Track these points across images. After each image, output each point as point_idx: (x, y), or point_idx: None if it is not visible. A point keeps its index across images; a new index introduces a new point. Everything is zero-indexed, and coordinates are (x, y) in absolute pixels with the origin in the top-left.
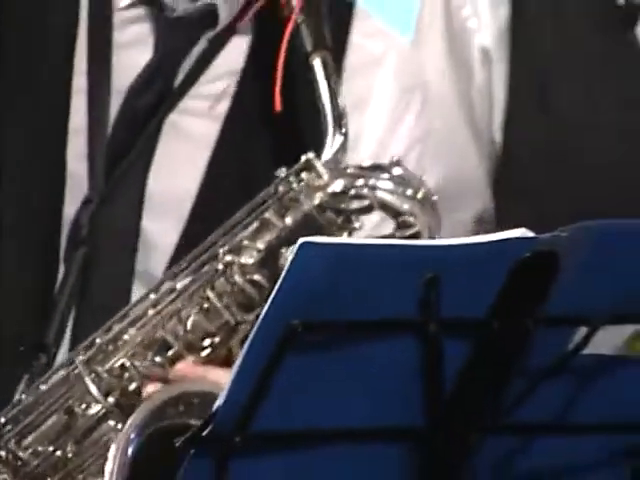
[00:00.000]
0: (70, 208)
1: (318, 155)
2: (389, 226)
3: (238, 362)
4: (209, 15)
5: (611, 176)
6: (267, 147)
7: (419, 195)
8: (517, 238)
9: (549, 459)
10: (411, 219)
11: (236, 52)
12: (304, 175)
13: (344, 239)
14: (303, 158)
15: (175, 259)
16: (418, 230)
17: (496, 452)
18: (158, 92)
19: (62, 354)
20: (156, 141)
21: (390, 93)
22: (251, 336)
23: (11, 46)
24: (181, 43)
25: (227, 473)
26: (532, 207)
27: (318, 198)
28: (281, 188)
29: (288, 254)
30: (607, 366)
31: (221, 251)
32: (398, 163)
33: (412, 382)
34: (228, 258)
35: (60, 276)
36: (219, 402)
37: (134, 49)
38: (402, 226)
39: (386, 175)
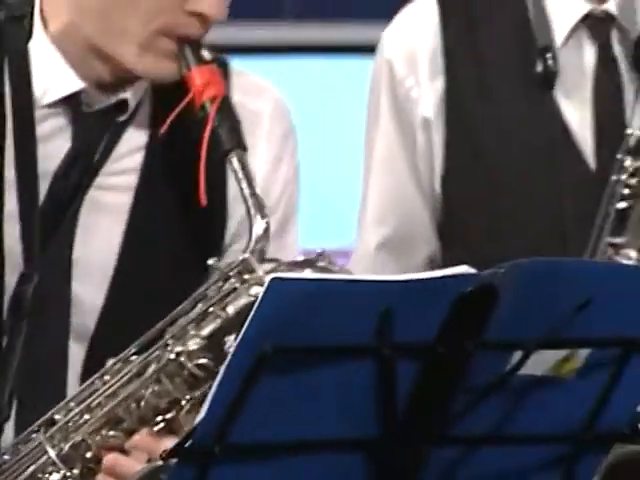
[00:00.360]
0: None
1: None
2: None
3: (217, 382)
4: (121, 104)
5: (531, 216)
6: (175, 214)
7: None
8: (461, 274)
9: (488, 467)
10: None
11: (141, 131)
12: (240, 271)
13: (309, 275)
14: (240, 258)
15: (103, 317)
16: None
17: (442, 461)
18: (78, 174)
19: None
20: (78, 215)
21: (270, 142)
22: (228, 359)
23: None
24: (96, 131)
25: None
26: (471, 248)
27: (255, 291)
28: (222, 285)
29: (232, 341)
30: (538, 385)
31: (171, 341)
32: (322, 254)
33: (369, 399)
34: (178, 348)
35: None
36: (199, 417)
37: (56, 139)
38: None
39: (310, 269)
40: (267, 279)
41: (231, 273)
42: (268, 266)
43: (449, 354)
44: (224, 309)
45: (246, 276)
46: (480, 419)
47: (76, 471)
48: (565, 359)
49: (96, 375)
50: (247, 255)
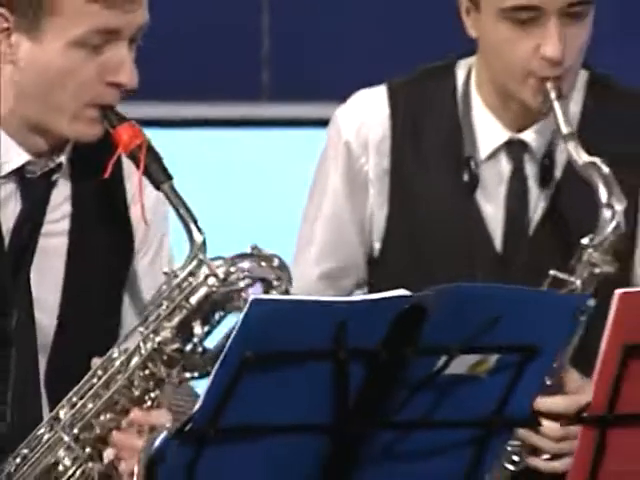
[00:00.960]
0: None
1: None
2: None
3: (210, 379)
4: (58, 167)
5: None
6: (102, 245)
7: (275, 263)
8: (399, 296)
9: (419, 446)
10: (276, 281)
11: (65, 184)
12: (192, 271)
13: (281, 296)
14: (195, 260)
15: (58, 336)
16: (286, 288)
17: (384, 441)
18: (28, 230)
19: None
20: (32, 261)
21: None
22: (219, 362)
23: None
24: (39, 192)
25: (201, 456)
26: (393, 274)
27: (211, 282)
28: (182, 282)
29: (199, 326)
30: (459, 382)
31: (151, 335)
32: (256, 248)
33: (328, 393)
34: (157, 339)
35: None
36: (196, 407)
37: (9, 202)
38: (271, 287)
39: (249, 260)
40: (249, 299)
41: (184, 274)
42: (216, 262)
43: (390, 358)
44: (188, 301)
45: (200, 273)
46: (414, 408)
47: (88, 450)
48: (480, 362)
49: (89, 373)
50: (201, 257)
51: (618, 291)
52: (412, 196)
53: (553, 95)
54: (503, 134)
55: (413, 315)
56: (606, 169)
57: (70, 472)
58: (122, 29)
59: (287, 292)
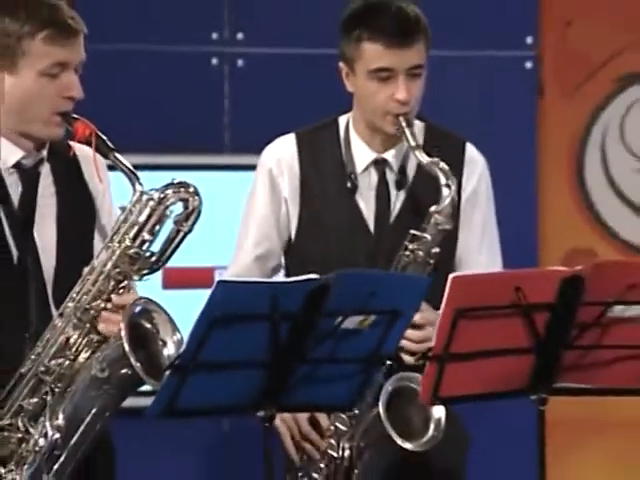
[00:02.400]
0: None
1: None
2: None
3: (190, 331)
4: (42, 159)
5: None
6: (79, 207)
7: (190, 189)
8: (312, 278)
9: (327, 375)
10: (191, 199)
11: (49, 171)
12: (139, 199)
13: (237, 279)
14: (138, 194)
15: (57, 270)
16: (197, 204)
17: (303, 372)
18: (29, 203)
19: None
20: (34, 223)
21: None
22: (196, 319)
23: None
24: (33, 177)
25: (185, 384)
26: (303, 254)
27: (151, 205)
28: (131, 209)
29: (146, 234)
30: (351, 333)
31: (116, 245)
32: (177, 180)
33: (268, 341)
34: (122, 245)
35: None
36: (182, 349)
37: (14, 186)
38: (187, 203)
39: (173, 187)
40: (216, 280)
41: (131, 205)
42: (151, 191)
43: (306, 318)
44: (137, 219)
45: (143, 200)
46: (322, 350)
47: (88, 326)
48: (363, 320)
49: (81, 278)
50: (142, 190)
51: (451, 275)
52: (314, 201)
53: (404, 124)
54: (371, 155)
55: (321, 290)
56: (442, 163)
57: (79, 342)
58: (70, 62)
59: (198, 207)
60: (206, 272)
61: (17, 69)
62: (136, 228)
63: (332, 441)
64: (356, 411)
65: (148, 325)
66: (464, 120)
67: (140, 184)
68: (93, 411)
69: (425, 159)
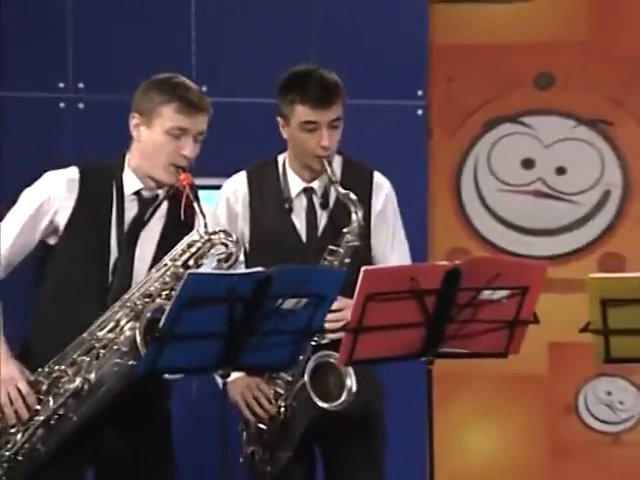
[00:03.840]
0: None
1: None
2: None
3: (168, 309)
4: (157, 195)
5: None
6: (174, 237)
7: (233, 237)
8: (259, 271)
9: (270, 344)
10: (231, 245)
11: (163, 205)
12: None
13: (202, 271)
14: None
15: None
16: (236, 250)
17: (253, 342)
18: (139, 223)
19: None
20: (138, 240)
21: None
22: (171, 301)
23: None
24: (147, 205)
25: (164, 351)
26: (255, 257)
27: (201, 242)
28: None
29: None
30: (289, 312)
31: (174, 263)
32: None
33: (226, 318)
34: (177, 263)
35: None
36: (161, 324)
37: (131, 210)
38: (228, 248)
39: (221, 233)
40: (186, 273)
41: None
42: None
43: (255, 301)
44: (189, 250)
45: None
46: (267, 325)
47: (133, 314)
48: (297, 302)
49: (137, 284)
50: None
51: (363, 268)
52: (260, 219)
53: (326, 163)
54: (302, 184)
55: (266, 280)
56: (352, 194)
57: (124, 324)
58: (189, 129)
59: (236, 253)
60: None
61: (152, 125)
62: (187, 256)
63: (273, 402)
64: (290, 379)
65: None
66: (371, 154)
67: (205, 226)
68: (114, 372)
69: (341, 192)
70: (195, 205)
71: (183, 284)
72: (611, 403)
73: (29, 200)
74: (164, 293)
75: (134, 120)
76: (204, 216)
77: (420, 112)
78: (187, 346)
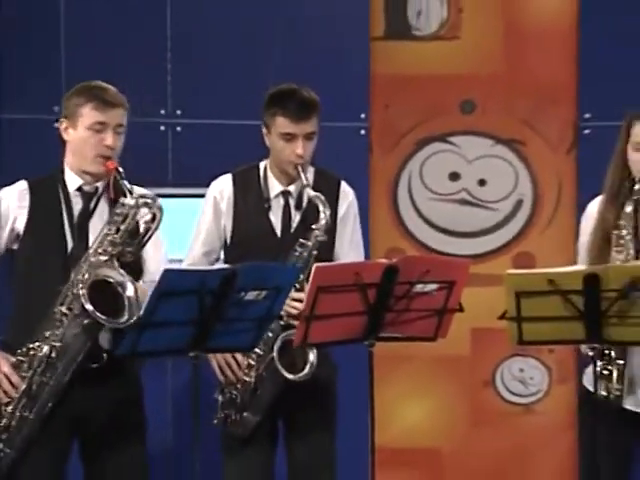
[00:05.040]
0: None
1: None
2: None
3: (146, 301)
4: (97, 188)
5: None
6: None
7: (157, 202)
8: (225, 267)
9: (237, 329)
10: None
11: (104, 195)
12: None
13: (178, 267)
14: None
15: None
16: (157, 210)
17: (220, 328)
18: (84, 215)
19: None
20: (89, 229)
21: None
22: (150, 293)
23: None
24: (89, 198)
25: (142, 335)
26: (235, 252)
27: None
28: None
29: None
30: (252, 302)
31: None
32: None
33: (197, 307)
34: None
35: None
36: (141, 312)
37: (77, 204)
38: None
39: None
40: (162, 269)
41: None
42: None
43: (222, 293)
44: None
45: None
46: (233, 313)
47: (89, 275)
48: (259, 294)
49: (90, 251)
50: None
51: (314, 265)
52: (242, 217)
53: (300, 169)
54: (280, 187)
55: (232, 275)
56: (322, 196)
57: (77, 291)
58: (108, 123)
59: (159, 213)
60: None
61: (76, 126)
62: (119, 222)
63: (246, 371)
64: (261, 353)
65: (110, 280)
66: (323, 167)
67: (131, 198)
68: (75, 335)
69: (312, 193)
70: (122, 182)
71: (160, 279)
72: (523, 379)
73: None
74: (105, 257)
75: (63, 125)
76: (130, 192)
77: (363, 132)
78: (163, 332)
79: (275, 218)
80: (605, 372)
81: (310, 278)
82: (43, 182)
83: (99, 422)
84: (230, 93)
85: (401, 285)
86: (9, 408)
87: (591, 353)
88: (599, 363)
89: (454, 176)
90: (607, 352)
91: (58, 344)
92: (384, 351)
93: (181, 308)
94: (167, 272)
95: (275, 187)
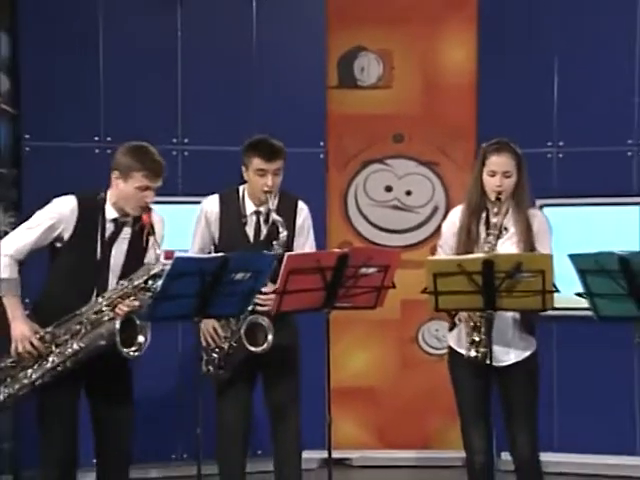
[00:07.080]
0: None
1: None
2: None
3: (160, 281)
4: (126, 220)
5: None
6: (138, 250)
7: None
8: (221, 255)
9: (231, 302)
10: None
11: (129, 228)
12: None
13: (185, 255)
14: (145, 275)
15: (121, 272)
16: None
17: (218, 301)
18: (114, 239)
19: None
20: (112, 251)
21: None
22: (164, 274)
23: None
24: (119, 226)
25: (158, 305)
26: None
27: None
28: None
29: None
30: (239, 282)
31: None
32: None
33: (199, 284)
34: (138, 282)
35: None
36: (158, 288)
37: (111, 230)
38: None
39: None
40: (175, 256)
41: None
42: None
43: (218, 274)
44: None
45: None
46: (226, 289)
47: (113, 305)
48: (244, 275)
49: (118, 285)
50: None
51: (287, 253)
52: (225, 228)
53: (268, 197)
54: (253, 207)
55: (225, 261)
56: (281, 220)
57: (106, 312)
58: (152, 187)
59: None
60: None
61: (127, 181)
62: (146, 277)
63: (223, 339)
64: (234, 329)
65: (137, 321)
66: (292, 184)
67: (157, 254)
68: (97, 344)
69: (275, 217)
70: (151, 238)
71: (172, 263)
72: (438, 336)
73: (44, 217)
74: (130, 298)
75: (114, 175)
76: (158, 246)
77: (322, 156)
78: (174, 302)
79: (250, 229)
80: (476, 339)
81: (283, 262)
82: (88, 206)
83: (100, 369)
84: (222, 128)
85: (350, 268)
86: (35, 365)
87: (460, 324)
88: (474, 333)
89: (388, 188)
90: (478, 325)
91: (82, 345)
92: (337, 317)
93: (188, 285)
94: (178, 259)
95: (250, 207)
